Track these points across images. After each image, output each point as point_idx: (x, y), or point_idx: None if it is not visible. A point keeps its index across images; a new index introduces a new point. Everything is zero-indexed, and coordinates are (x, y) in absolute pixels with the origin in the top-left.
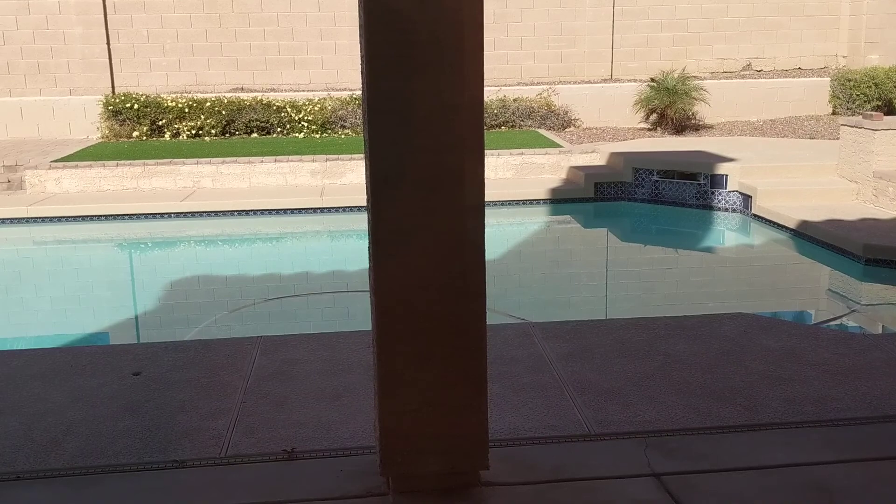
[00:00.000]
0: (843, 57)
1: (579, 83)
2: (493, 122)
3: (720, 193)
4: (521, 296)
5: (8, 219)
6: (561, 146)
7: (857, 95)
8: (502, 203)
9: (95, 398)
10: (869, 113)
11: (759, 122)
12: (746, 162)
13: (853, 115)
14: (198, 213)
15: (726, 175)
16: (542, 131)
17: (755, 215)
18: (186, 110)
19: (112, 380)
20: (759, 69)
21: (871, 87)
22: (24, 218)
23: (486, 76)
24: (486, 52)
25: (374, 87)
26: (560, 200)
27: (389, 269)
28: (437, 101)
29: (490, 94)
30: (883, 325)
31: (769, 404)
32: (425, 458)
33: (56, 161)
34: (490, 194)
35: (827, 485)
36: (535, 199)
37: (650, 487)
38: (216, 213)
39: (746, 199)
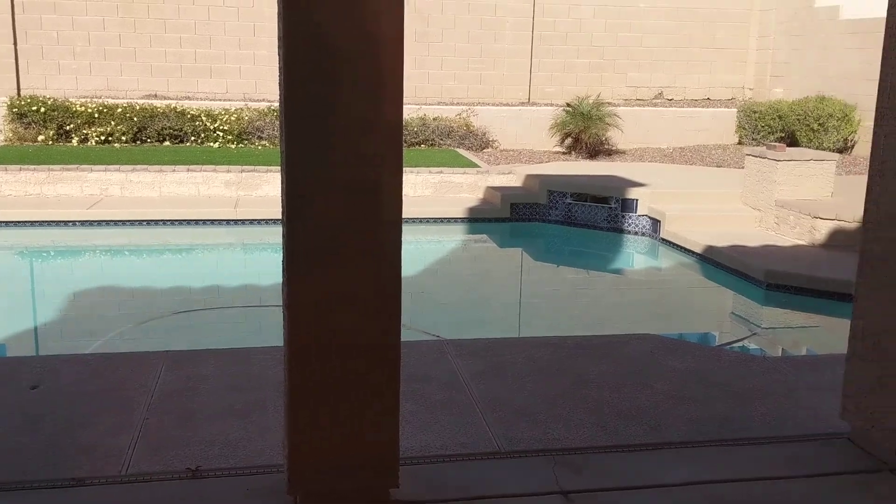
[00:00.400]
0: (750, 89)
1: (498, 105)
2: (412, 140)
3: (630, 217)
4: (436, 313)
5: None
6: (479, 166)
7: (762, 126)
8: (420, 220)
9: None
10: (773, 144)
11: (669, 149)
12: (656, 187)
13: (758, 145)
14: (105, 221)
15: (636, 199)
16: (461, 151)
17: (663, 239)
18: (96, 115)
19: (7, 393)
20: (670, 98)
21: (775, 119)
22: None
23: (407, 94)
24: (407, 71)
25: (292, 100)
26: (477, 220)
27: (304, 284)
28: (356, 116)
29: (410, 111)
30: (782, 349)
31: (674, 424)
32: (334, 477)
33: None
34: (408, 211)
35: (727, 501)
36: (452, 218)
37: None
38: (124, 223)
39: (655, 223)
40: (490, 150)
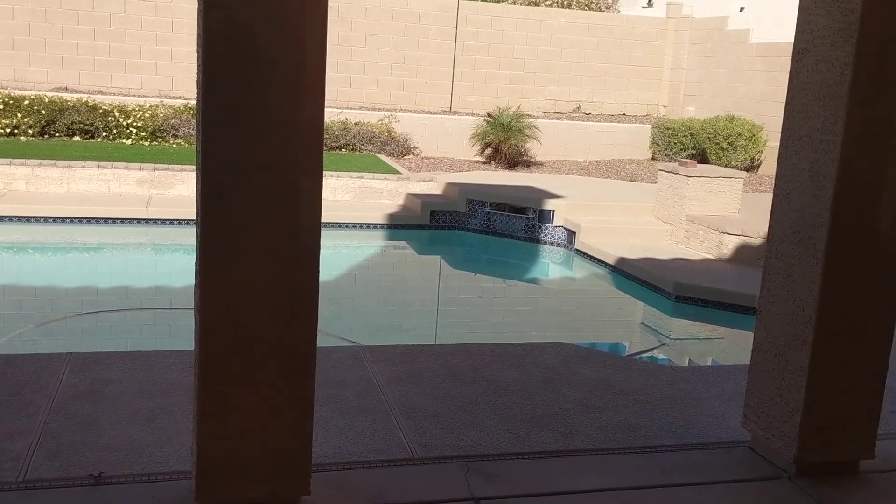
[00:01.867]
0: (664, 107)
1: (420, 112)
2: (333, 144)
3: (547, 228)
4: (353, 319)
5: None
6: (400, 173)
7: (675, 143)
8: (339, 225)
9: None
10: (684, 160)
11: (585, 162)
12: (572, 199)
13: (670, 161)
14: (7, 217)
15: (553, 211)
16: (383, 157)
17: (578, 250)
18: (1, 106)
19: None
20: (588, 112)
21: (687, 136)
22: None
23: (329, 98)
24: (330, 74)
25: (210, 99)
26: (397, 226)
27: (217, 288)
28: (276, 118)
29: (332, 115)
30: (689, 359)
31: (584, 431)
32: (245, 484)
33: None
34: (327, 216)
35: None
36: (372, 224)
37: None
38: (28, 219)
39: (571, 234)
40: (411, 156)
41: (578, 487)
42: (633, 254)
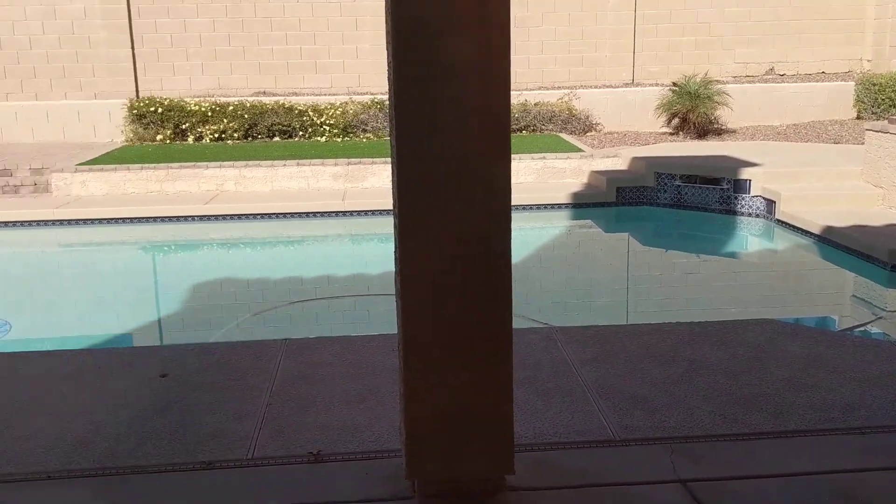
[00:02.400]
0: (868, 61)
1: (601, 87)
2: (514, 126)
3: (743, 198)
4: (543, 300)
5: (35, 221)
6: (582, 150)
7: (883, 100)
8: (524, 207)
9: (123, 400)
10: (895, 118)
11: (782, 126)
12: (770, 167)
13: (878, 119)
14: (221, 216)
15: (749, 180)
16: (564, 136)
17: (779, 220)
18: (209, 114)
19: (139, 382)
20: (782, 73)
21: None
22: (50, 220)
23: None
24: None
25: (402, 92)
26: (582, 205)
27: (416, 274)
28: (465, 106)
29: (511, 97)
30: None
31: (796, 411)
32: (450, 463)
33: (82, 164)
34: (512, 198)
35: (855, 493)
36: (556, 204)
37: (676, 494)
38: (239, 217)
39: (770, 204)
40: (593, 133)
41: (793, 470)
42: (841, 221)
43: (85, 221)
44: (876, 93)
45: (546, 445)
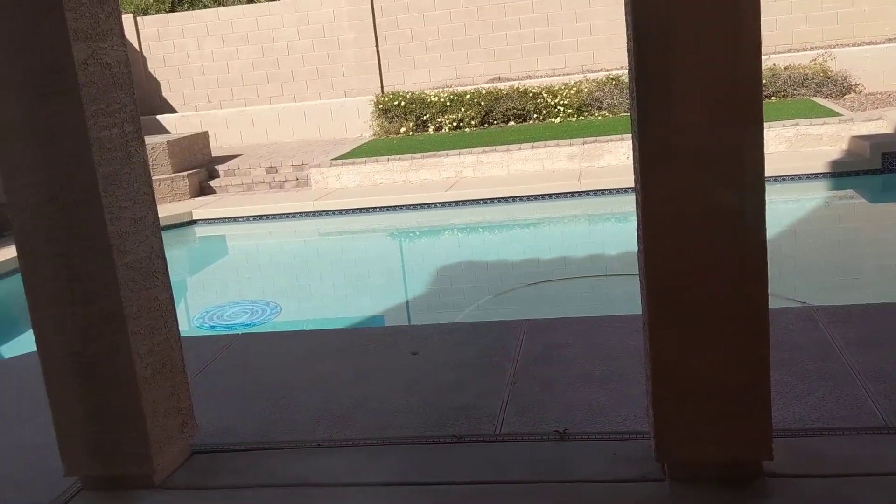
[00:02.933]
0: None
1: (859, 45)
2: (763, 93)
3: None
4: (801, 278)
5: (298, 213)
6: (840, 114)
7: None
8: (775, 178)
9: (379, 375)
10: None
11: None
12: None
13: None
14: (460, 201)
15: None
16: (818, 100)
17: None
18: (448, 104)
19: (393, 358)
20: None
21: None
22: (310, 212)
23: None
24: None
25: (642, 62)
26: (841, 174)
27: (661, 252)
28: (711, 73)
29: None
30: None
31: None
32: (704, 447)
33: (335, 159)
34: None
35: None
36: (812, 174)
37: None
38: (477, 202)
39: None
40: (852, 95)
41: None
42: None
43: (340, 212)
44: None
45: (808, 431)
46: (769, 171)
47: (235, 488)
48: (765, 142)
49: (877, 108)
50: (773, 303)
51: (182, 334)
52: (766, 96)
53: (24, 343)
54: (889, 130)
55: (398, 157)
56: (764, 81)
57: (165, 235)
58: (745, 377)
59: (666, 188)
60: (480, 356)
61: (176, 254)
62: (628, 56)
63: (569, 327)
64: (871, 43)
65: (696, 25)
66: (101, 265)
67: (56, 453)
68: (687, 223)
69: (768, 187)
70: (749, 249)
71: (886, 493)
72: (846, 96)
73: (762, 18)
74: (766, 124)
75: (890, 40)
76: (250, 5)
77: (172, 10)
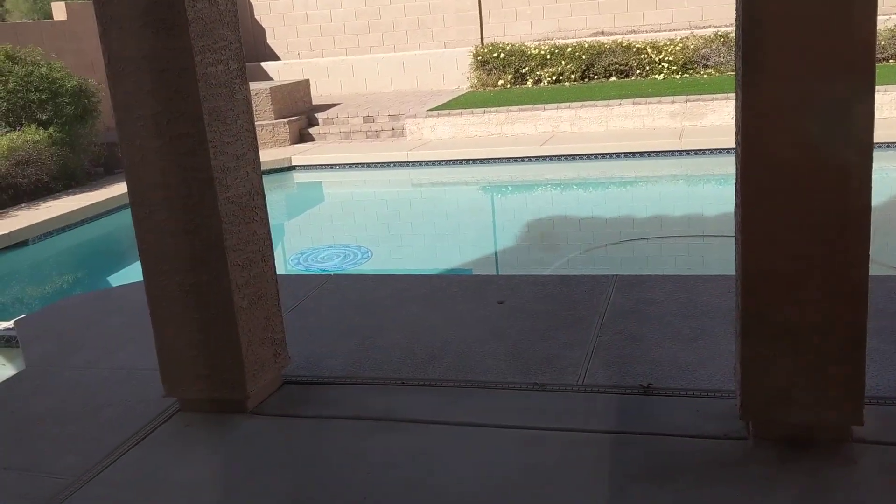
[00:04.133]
0: None
1: None
2: (880, 56)
3: None
4: None
5: (392, 162)
6: None
7: None
8: (888, 145)
9: (465, 321)
10: None
11: None
12: None
13: None
14: (556, 156)
15: None
16: None
17: None
18: (548, 57)
19: (479, 306)
20: None
21: None
22: (404, 162)
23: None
24: None
25: (751, 14)
26: None
27: (759, 210)
28: (821, 26)
29: (878, 22)
30: None
31: None
32: (790, 408)
33: (431, 110)
34: (876, 135)
35: None
36: None
37: None
38: (574, 157)
39: None
40: None
41: None
42: None
43: (433, 163)
44: None
45: None
46: (882, 136)
47: (324, 418)
48: (880, 107)
49: None
50: (878, 270)
51: (279, 273)
52: (885, 59)
53: (133, 273)
54: None
55: (494, 109)
56: (883, 43)
57: (266, 180)
58: (840, 339)
59: (768, 141)
60: (568, 308)
61: (275, 198)
62: (736, 9)
63: (659, 285)
64: None
65: None
66: (204, 197)
67: (156, 378)
68: (788, 179)
69: (884, 153)
70: (852, 210)
71: None
72: None
73: None
74: (883, 88)
75: None
76: None
77: None
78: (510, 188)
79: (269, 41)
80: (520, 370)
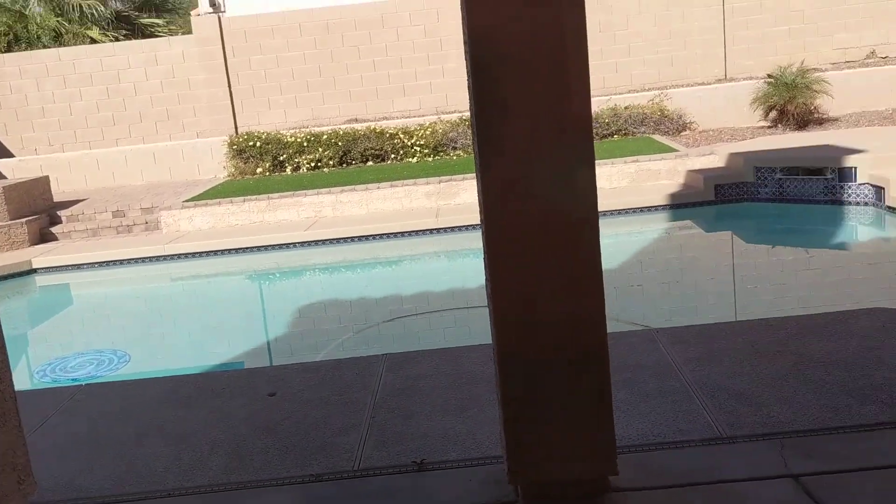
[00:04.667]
0: None
1: (692, 86)
2: (605, 132)
3: (849, 187)
4: (645, 304)
5: (148, 257)
6: (677, 150)
7: None
8: (619, 212)
9: (235, 418)
10: None
11: (888, 111)
12: (877, 152)
13: None
14: (321, 241)
15: (855, 167)
16: (657, 137)
17: (889, 207)
18: (305, 144)
19: (249, 401)
20: (884, 56)
21: None
22: (161, 256)
23: (595, 85)
24: (593, 62)
25: (481, 103)
26: (679, 205)
27: (505, 282)
28: (545, 115)
29: (600, 103)
30: None
31: None
32: (553, 466)
33: (188, 200)
34: (606, 203)
35: None
36: (653, 206)
37: (788, 489)
38: (338, 241)
39: (878, 190)
40: (688, 132)
41: None
42: None
43: (193, 255)
44: None
45: (650, 446)
46: (614, 205)
47: None
48: (609, 177)
49: (709, 143)
50: (618, 327)
51: (21, 389)
52: (608, 134)
53: None
54: (721, 164)
55: (255, 197)
56: (607, 121)
57: (2, 287)
58: (589, 398)
59: (507, 221)
60: (340, 393)
61: (14, 305)
62: (469, 95)
63: (427, 359)
64: (702, 83)
65: (526, 68)
66: None
67: None
68: (528, 251)
69: (614, 220)
70: (587, 276)
71: (725, 499)
72: (682, 133)
73: (603, 61)
74: (609, 161)
75: (720, 81)
76: (93, 46)
77: (8, 51)
78: (277, 275)
79: (1, 138)
80: (295, 463)
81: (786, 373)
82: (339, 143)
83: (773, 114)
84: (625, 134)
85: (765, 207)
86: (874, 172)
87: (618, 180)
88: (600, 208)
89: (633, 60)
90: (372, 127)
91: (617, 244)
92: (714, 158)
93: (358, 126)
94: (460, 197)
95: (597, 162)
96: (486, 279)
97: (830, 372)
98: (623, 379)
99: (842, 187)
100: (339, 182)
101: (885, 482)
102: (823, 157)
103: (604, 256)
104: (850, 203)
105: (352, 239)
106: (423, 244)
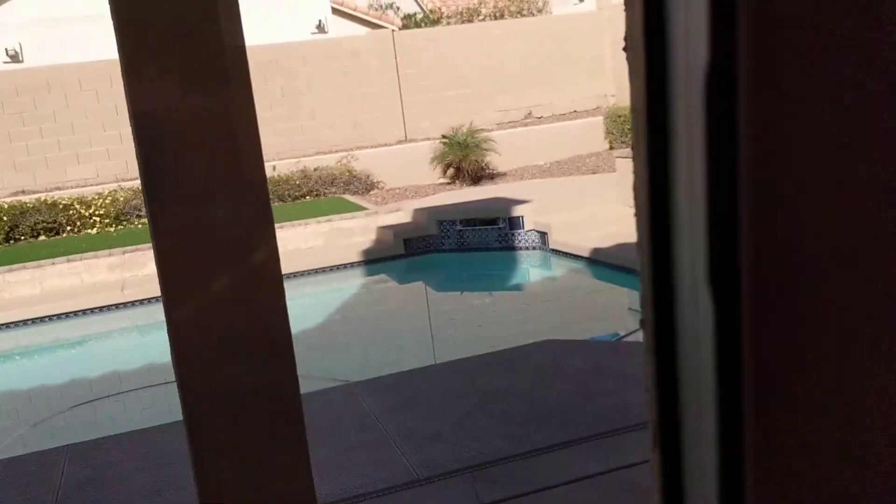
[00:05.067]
0: (612, 96)
1: (376, 147)
2: (296, 193)
3: (519, 234)
4: (348, 360)
5: None
6: (367, 209)
7: (629, 129)
8: (315, 271)
9: None
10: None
11: (546, 164)
12: (539, 202)
13: (627, 147)
14: None
15: (522, 216)
16: (347, 196)
17: (553, 249)
18: None
19: None
20: (539, 116)
21: None
22: None
23: (283, 149)
24: (279, 125)
25: (145, 164)
26: (373, 261)
27: (190, 351)
28: (222, 184)
29: (290, 166)
30: None
31: (580, 420)
32: None
33: None
34: (302, 263)
35: (646, 483)
36: (348, 263)
37: None
38: (7, 326)
39: (543, 235)
40: (376, 191)
41: (582, 474)
42: (608, 242)
43: None
44: (622, 123)
45: (353, 499)
46: (310, 264)
47: None
48: (304, 237)
49: (396, 201)
50: (318, 385)
51: None
52: (300, 196)
53: None
54: (407, 220)
55: None
56: (298, 183)
57: None
58: (285, 459)
59: (187, 289)
60: (18, 492)
61: None
62: (137, 159)
63: (117, 444)
64: (385, 145)
65: (195, 138)
66: None
67: None
68: (211, 319)
69: (312, 279)
70: (275, 335)
71: None
72: (371, 192)
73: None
74: (302, 222)
75: (401, 142)
76: None
77: None
78: None
79: None
80: None
81: (472, 409)
82: (5, 218)
83: (450, 171)
84: (316, 195)
85: (449, 257)
86: (538, 220)
87: (313, 240)
88: (298, 268)
89: (318, 123)
90: (42, 198)
91: (316, 303)
92: (401, 214)
93: (26, 198)
94: (148, 267)
95: (292, 223)
96: (171, 347)
97: (512, 403)
98: (324, 436)
99: (513, 234)
100: (6, 261)
101: (561, 499)
102: (495, 209)
103: (303, 315)
104: (520, 248)
105: (26, 322)
106: (110, 320)
